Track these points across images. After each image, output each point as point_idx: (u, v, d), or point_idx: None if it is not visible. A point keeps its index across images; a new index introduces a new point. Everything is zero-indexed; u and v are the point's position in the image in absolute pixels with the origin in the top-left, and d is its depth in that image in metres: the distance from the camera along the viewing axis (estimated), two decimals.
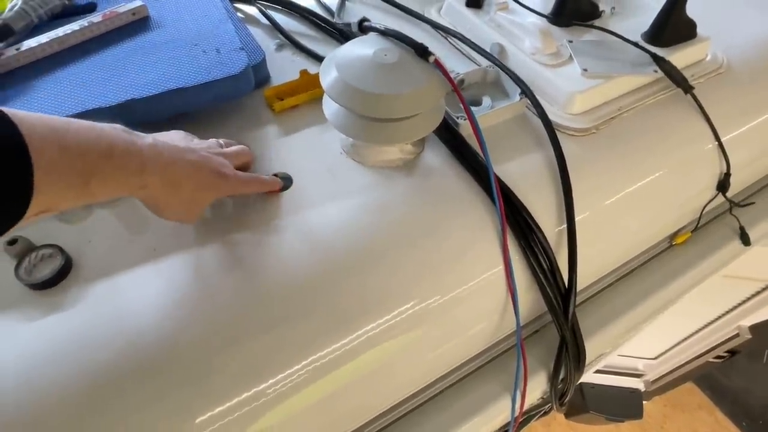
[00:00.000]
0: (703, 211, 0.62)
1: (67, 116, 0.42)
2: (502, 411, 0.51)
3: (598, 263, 0.56)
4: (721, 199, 0.61)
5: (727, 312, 1.38)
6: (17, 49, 0.46)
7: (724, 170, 0.58)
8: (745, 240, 0.64)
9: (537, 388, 0.53)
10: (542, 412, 0.67)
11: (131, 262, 0.39)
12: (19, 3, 0.48)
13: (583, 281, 0.57)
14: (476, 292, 0.45)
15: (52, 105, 0.42)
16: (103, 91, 0.44)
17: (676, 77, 0.54)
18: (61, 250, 0.38)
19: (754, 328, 1.38)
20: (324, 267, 0.40)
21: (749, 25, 0.67)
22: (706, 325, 1.46)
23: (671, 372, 1.75)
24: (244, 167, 0.43)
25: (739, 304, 1.34)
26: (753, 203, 0.63)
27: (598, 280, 0.59)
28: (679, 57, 0.57)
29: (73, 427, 0.32)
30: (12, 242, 0.38)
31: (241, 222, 0.42)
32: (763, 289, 1.26)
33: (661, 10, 0.56)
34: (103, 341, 0.35)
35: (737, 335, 1.41)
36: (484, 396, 0.51)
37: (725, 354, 1.61)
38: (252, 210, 0.43)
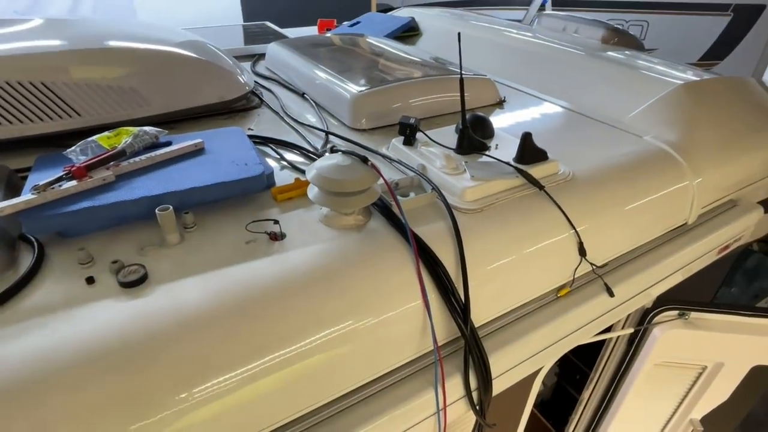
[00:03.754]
0: (575, 273, 0.88)
1: (152, 195, 0.71)
2: (430, 403, 0.70)
3: (494, 303, 0.80)
4: (587, 265, 0.88)
5: (678, 406, 1.50)
6: (128, 162, 0.77)
7: (578, 240, 0.86)
8: (610, 293, 0.89)
9: (455, 390, 0.72)
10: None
11: (181, 275, 0.64)
12: (130, 140, 0.81)
13: (487, 315, 0.80)
14: (403, 312, 0.68)
15: (146, 190, 0.72)
16: (176, 183, 0.74)
17: (531, 180, 0.86)
18: (143, 267, 0.63)
19: (704, 421, 1.49)
20: (296, 286, 0.65)
21: (588, 157, 1.03)
22: (665, 425, 1.55)
23: None
24: None
25: (685, 395, 1.47)
26: (606, 264, 0.90)
27: (501, 317, 0.82)
28: (537, 170, 0.90)
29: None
30: (114, 262, 0.63)
31: (254, 253, 0.68)
32: (699, 376, 1.41)
33: (519, 144, 0.90)
34: (158, 312, 0.58)
35: (693, 430, 1.50)
36: (415, 389, 0.70)
37: None
38: (263, 246, 0.69)
